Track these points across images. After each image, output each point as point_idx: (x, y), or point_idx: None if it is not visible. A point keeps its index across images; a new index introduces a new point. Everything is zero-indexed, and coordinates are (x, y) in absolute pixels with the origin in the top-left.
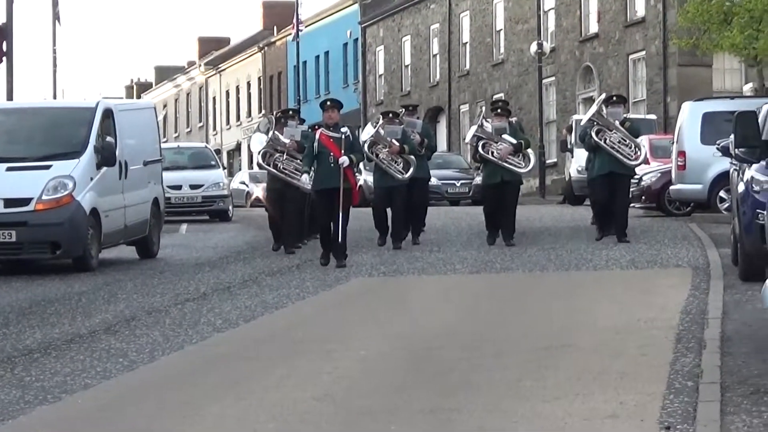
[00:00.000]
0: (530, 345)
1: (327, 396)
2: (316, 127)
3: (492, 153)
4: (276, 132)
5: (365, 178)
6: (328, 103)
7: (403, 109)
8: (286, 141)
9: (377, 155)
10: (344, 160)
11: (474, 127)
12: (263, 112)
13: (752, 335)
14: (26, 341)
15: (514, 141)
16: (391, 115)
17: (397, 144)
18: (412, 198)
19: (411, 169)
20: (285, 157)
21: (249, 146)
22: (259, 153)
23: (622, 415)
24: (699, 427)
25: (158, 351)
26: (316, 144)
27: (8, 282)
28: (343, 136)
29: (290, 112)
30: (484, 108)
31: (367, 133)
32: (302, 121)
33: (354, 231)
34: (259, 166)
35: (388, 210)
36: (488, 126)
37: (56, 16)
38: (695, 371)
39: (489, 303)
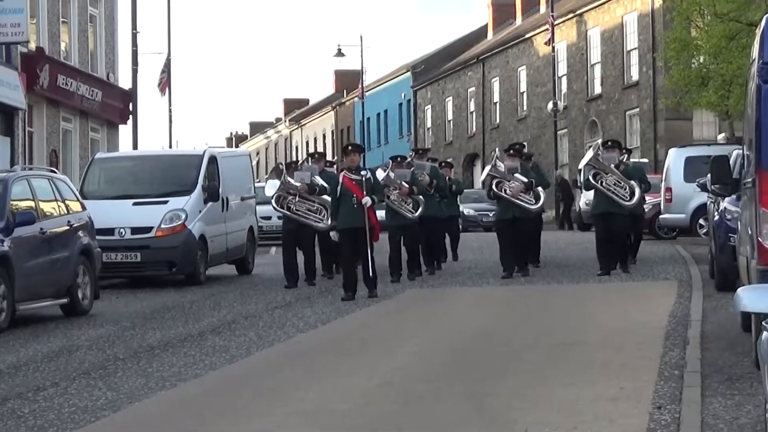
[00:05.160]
0: (549, 341)
1: (387, 383)
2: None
3: (504, 190)
4: (286, 176)
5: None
6: (350, 147)
7: (414, 153)
8: (297, 184)
9: (388, 197)
10: (367, 200)
11: (488, 167)
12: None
13: (725, 334)
14: (149, 340)
15: (525, 179)
16: (399, 159)
17: (407, 186)
18: (445, 233)
19: (420, 209)
20: (297, 199)
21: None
22: (272, 197)
23: (622, 398)
24: (684, 408)
25: (253, 347)
26: (339, 187)
27: (134, 293)
28: (364, 179)
29: (316, 156)
30: (498, 150)
31: (378, 177)
32: (331, 164)
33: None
34: (274, 209)
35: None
36: (501, 166)
37: (161, 88)
38: (681, 363)
39: (515, 308)
